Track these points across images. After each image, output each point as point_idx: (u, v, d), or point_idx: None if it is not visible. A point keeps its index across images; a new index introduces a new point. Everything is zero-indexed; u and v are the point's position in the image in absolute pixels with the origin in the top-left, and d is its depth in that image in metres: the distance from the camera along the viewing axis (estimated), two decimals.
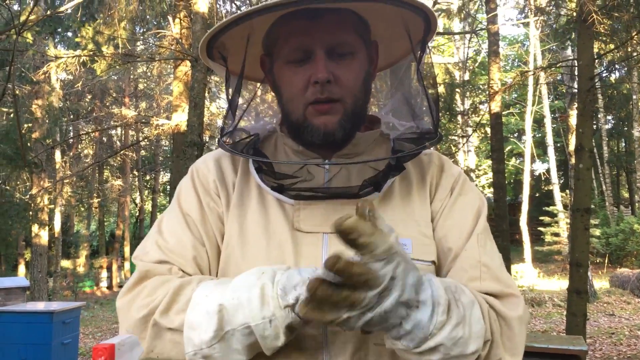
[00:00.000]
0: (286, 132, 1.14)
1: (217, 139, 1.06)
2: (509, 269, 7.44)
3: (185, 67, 8.46)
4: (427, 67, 1.10)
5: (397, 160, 1.05)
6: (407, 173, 1.11)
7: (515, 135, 27.87)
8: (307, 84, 1.03)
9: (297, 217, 1.04)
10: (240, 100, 1.16)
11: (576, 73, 7.00)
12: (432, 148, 1.10)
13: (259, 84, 1.30)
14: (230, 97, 1.12)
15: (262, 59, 1.15)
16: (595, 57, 6.50)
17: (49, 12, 11.68)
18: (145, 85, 22.96)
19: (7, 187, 13.17)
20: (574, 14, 7.25)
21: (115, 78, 19.89)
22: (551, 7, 9.62)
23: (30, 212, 13.26)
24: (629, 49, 8.30)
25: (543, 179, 26.28)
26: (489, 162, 18.59)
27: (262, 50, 1.15)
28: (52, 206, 16.56)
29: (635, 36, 6.96)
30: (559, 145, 22.83)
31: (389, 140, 1.16)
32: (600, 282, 14.66)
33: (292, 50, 1.04)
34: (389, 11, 1.06)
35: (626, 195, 27.90)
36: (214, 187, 1.12)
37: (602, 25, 5.95)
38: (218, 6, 8.80)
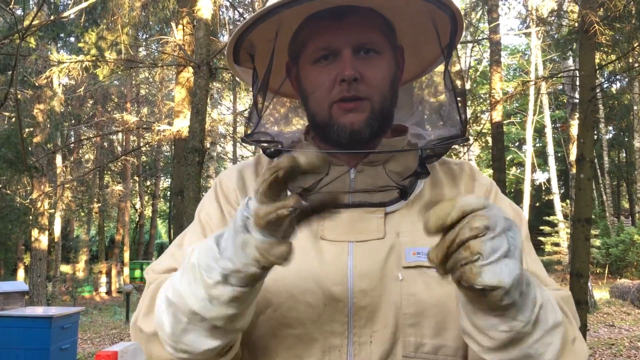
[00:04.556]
0: (311, 140, 1.12)
1: (241, 137, 1.02)
2: None
3: (187, 73, 8.48)
4: (454, 69, 1.07)
5: (422, 167, 1.02)
6: (438, 181, 1.09)
7: (516, 144, 27.90)
8: (334, 83, 1.01)
9: (321, 225, 1.01)
10: (267, 103, 1.13)
11: (577, 83, 7.02)
12: (461, 157, 1.06)
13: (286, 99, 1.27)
14: (255, 97, 1.09)
15: (288, 64, 1.14)
16: (597, 67, 6.50)
17: (52, 18, 11.71)
18: (147, 91, 23.03)
19: (8, 191, 13.13)
20: (576, 24, 7.27)
21: (118, 83, 19.99)
22: (553, 18, 9.66)
23: (30, 217, 13.23)
24: (630, 60, 8.34)
25: (543, 188, 26.24)
26: (490, 171, 18.54)
27: (288, 56, 1.13)
28: (52, 211, 16.55)
29: (637, 47, 6.98)
30: (559, 155, 22.82)
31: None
32: (600, 293, 14.63)
33: (317, 50, 1.03)
34: (414, 11, 1.05)
35: (627, 205, 27.89)
36: (234, 196, 1.10)
37: (603, 36, 5.97)
38: (221, 13, 8.84)
